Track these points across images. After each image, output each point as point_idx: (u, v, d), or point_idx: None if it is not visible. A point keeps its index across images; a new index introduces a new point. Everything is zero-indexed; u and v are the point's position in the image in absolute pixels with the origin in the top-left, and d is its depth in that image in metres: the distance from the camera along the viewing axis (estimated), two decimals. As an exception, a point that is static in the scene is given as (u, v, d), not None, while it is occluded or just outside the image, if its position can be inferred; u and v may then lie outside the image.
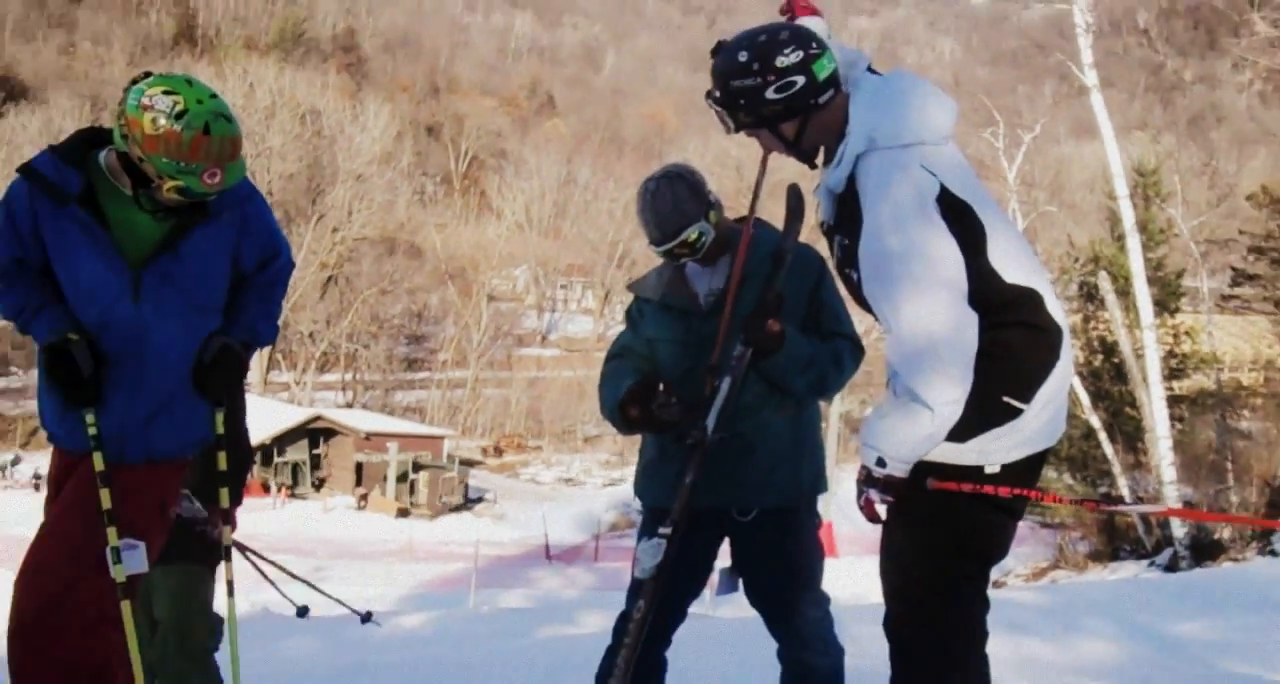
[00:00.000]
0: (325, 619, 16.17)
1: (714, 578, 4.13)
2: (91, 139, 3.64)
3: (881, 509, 3.19)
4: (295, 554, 31.00)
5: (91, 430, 3.50)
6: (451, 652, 10.40)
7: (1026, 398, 3.09)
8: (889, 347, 3.07)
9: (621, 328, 4.26)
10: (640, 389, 3.84)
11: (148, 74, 3.50)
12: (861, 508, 3.22)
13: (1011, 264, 3.11)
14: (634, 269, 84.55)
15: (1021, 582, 24.53)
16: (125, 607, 3.48)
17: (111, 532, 3.45)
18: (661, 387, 3.83)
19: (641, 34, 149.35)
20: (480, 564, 29.75)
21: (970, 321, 3.01)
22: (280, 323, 3.98)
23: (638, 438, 4.14)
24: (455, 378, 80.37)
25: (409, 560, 35.56)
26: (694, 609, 4.14)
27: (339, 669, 8.27)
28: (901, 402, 3.06)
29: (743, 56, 3.20)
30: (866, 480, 3.14)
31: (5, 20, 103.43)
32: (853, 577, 18.33)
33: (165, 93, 3.38)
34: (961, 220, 3.05)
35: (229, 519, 4.15)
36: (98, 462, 3.49)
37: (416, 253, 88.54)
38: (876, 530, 3.32)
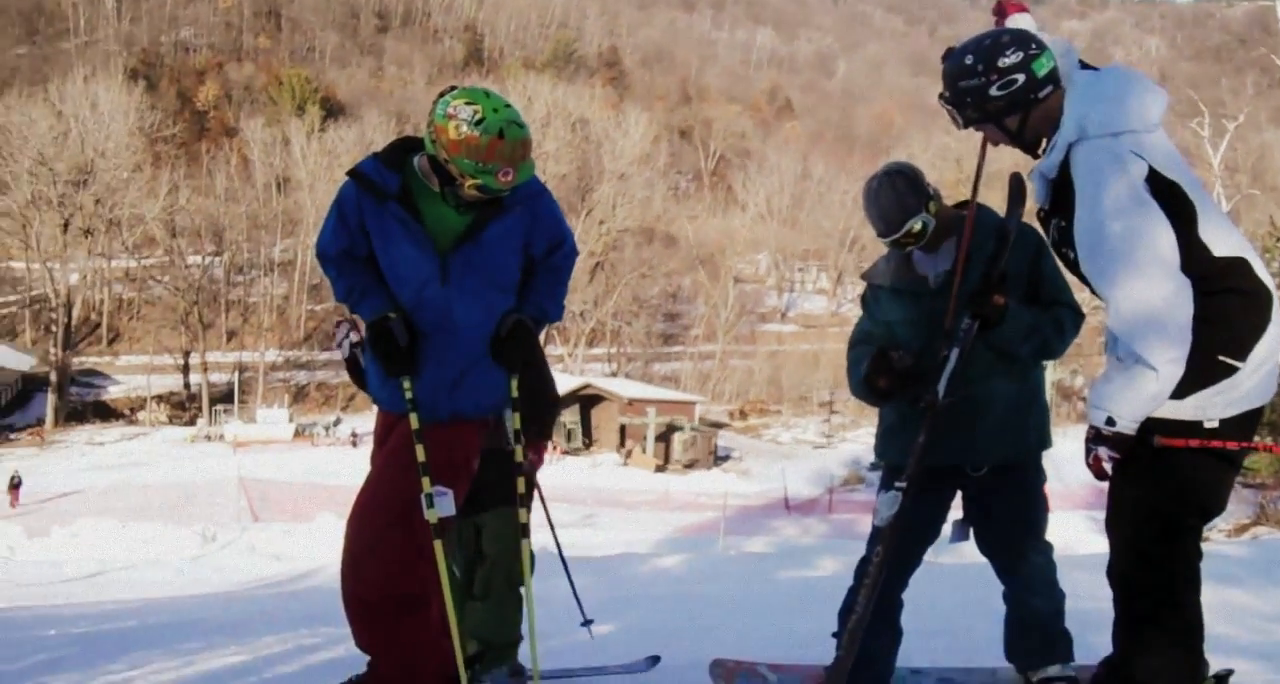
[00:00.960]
0: (596, 559, 16.49)
1: (946, 528, 4.08)
2: (407, 146, 3.74)
3: (1109, 467, 3.11)
4: (569, 502, 31.79)
5: (408, 394, 3.60)
6: (705, 588, 10.51)
7: (1241, 356, 3.00)
8: (1111, 318, 3.01)
9: (851, 306, 4.22)
10: (878, 360, 3.84)
11: (453, 88, 3.57)
12: (1090, 465, 3.13)
13: (1220, 238, 3.02)
14: (864, 253, 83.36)
15: (1224, 537, 23.23)
16: (437, 545, 3.58)
17: (425, 480, 3.55)
18: (894, 353, 3.84)
19: (870, 43, 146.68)
20: (727, 513, 29.90)
21: (1185, 290, 2.93)
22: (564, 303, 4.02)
23: (870, 406, 4.11)
24: (705, 350, 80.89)
25: (665, 509, 35.96)
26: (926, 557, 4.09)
27: (613, 599, 8.44)
28: (1126, 365, 3.00)
29: (969, 59, 3.21)
30: (1095, 439, 3.07)
31: (326, 49, 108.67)
32: (1060, 530, 17.72)
33: (466, 103, 3.45)
34: (1171, 198, 2.98)
35: (528, 470, 4.19)
36: (413, 421, 3.59)
37: (671, 241, 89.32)
38: (1084, 488, 3.23)
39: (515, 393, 3.76)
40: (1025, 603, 4.02)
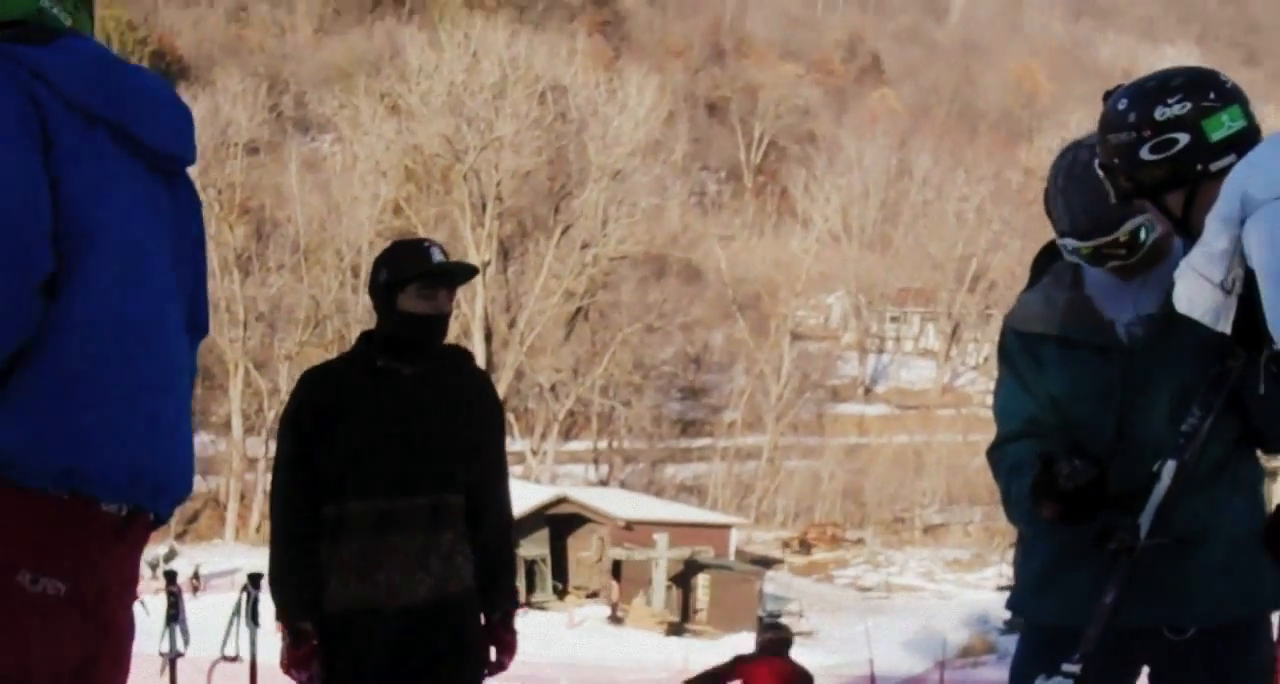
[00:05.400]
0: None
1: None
2: None
3: None
4: (533, 683, 31.47)
5: None
6: None
7: None
8: None
9: (974, 375, 4.19)
10: (1043, 477, 3.74)
11: None
12: None
13: None
14: (993, 294, 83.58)
15: None
16: None
17: None
18: (1066, 462, 3.73)
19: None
20: (781, 702, 29.73)
21: None
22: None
23: (1010, 530, 4.08)
24: (746, 445, 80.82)
25: (684, 695, 35.75)
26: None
27: None
28: None
29: (1122, 104, 3.43)
30: None
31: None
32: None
33: None
34: None
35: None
36: None
37: (694, 275, 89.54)
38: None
39: None
40: None
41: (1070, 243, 3.83)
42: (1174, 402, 3.73)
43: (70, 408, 2.92)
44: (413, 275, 5.00)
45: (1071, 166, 3.87)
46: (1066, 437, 3.90)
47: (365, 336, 5.27)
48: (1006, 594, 4.21)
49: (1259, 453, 4.01)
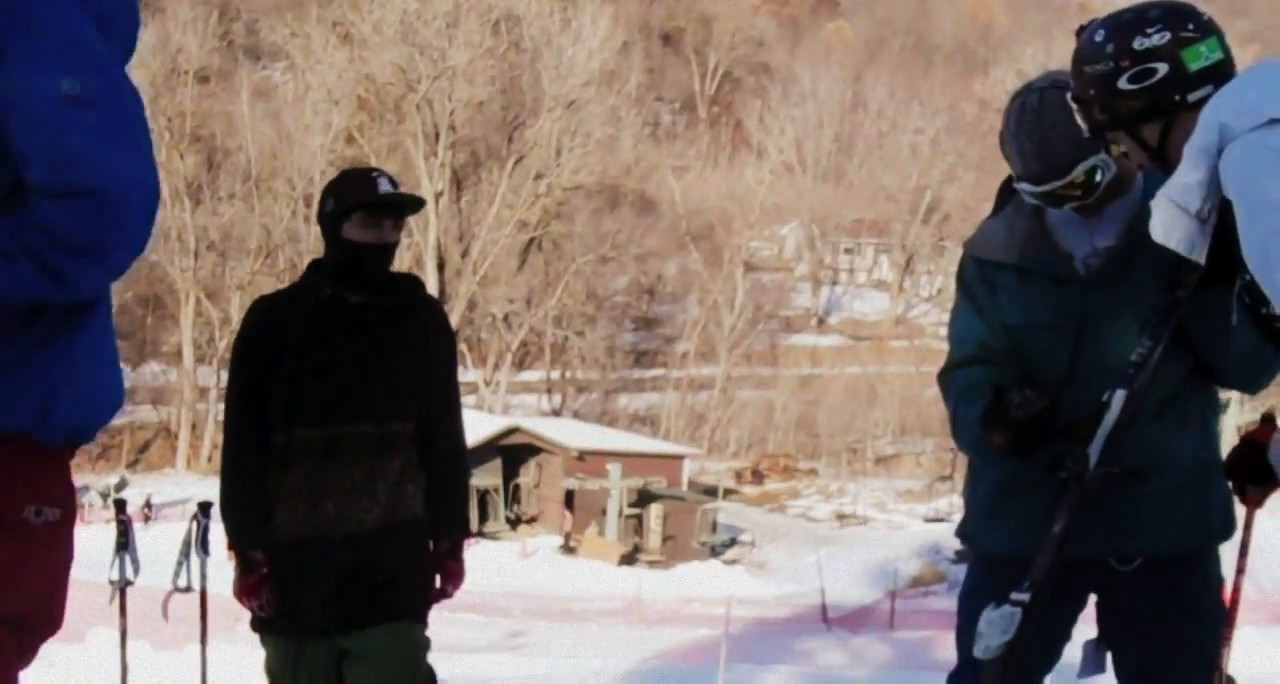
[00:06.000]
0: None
1: (1072, 651, 4.07)
2: None
3: None
4: (484, 612, 31.53)
5: None
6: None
7: None
8: None
9: (927, 307, 4.18)
10: (995, 405, 3.77)
11: None
12: None
13: None
14: (947, 225, 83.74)
15: None
16: None
17: None
18: (1018, 391, 3.75)
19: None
20: (733, 630, 29.86)
21: None
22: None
23: (961, 458, 4.09)
24: (700, 376, 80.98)
25: (637, 623, 35.91)
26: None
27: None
28: None
29: (1099, 36, 3.39)
30: None
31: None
32: (1254, 652, 17.76)
33: None
34: None
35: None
36: None
37: (648, 206, 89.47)
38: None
39: None
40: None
41: (1026, 187, 3.84)
42: (1128, 334, 3.74)
43: (79, 375, 3.04)
44: (357, 204, 4.97)
45: (1022, 112, 3.86)
46: (1017, 364, 3.93)
47: (314, 265, 5.26)
48: (956, 523, 4.22)
49: (1215, 387, 4.02)
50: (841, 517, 64.57)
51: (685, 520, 53.80)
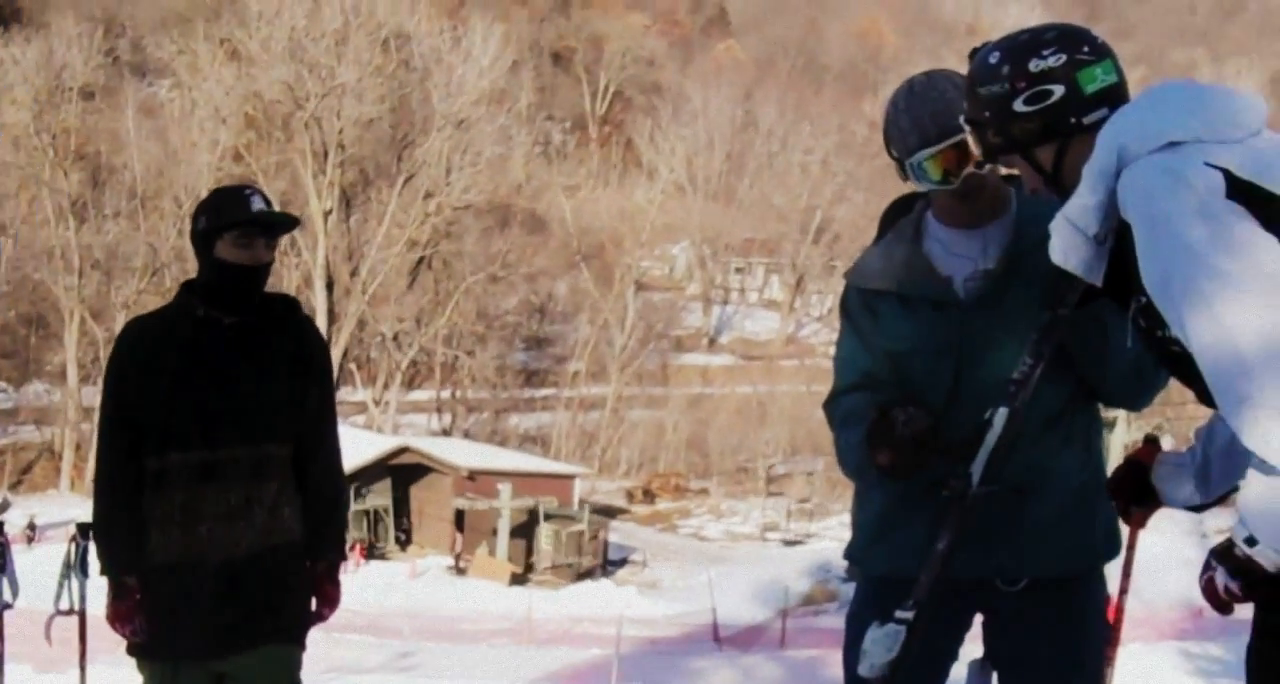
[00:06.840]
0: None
1: (958, 670, 4.08)
2: None
3: (1231, 592, 3.10)
4: (373, 634, 31.35)
5: None
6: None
7: None
8: (1219, 387, 2.94)
9: (818, 327, 4.18)
10: (879, 425, 3.79)
11: None
12: (1203, 588, 3.13)
13: None
14: (837, 246, 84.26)
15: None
16: None
17: None
18: (902, 409, 3.77)
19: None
20: (624, 650, 29.89)
21: None
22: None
23: (847, 483, 4.11)
24: (590, 396, 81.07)
25: (527, 644, 35.86)
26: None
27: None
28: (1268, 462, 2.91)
29: (994, 57, 3.39)
30: (1222, 555, 3.04)
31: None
32: (1136, 671, 17.96)
33: None
34: (1257, 202, 3.01)
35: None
36: None
37: (539, 225, 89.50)
38: (1175, 609, 3.23)
39: None
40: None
41: (922, 155, 3.87)
42: (1010, 355, 3.74)
43: None
44: (230, 223, 4.89)
45: (910, 88, 3.96)
46: (901, 390, 3.94)
47: (186, 286, 5.16)
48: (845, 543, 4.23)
49: (1099, 406, 4.04)
50: (733, 536, 64.78)
51: (577, 541, 53.76)
